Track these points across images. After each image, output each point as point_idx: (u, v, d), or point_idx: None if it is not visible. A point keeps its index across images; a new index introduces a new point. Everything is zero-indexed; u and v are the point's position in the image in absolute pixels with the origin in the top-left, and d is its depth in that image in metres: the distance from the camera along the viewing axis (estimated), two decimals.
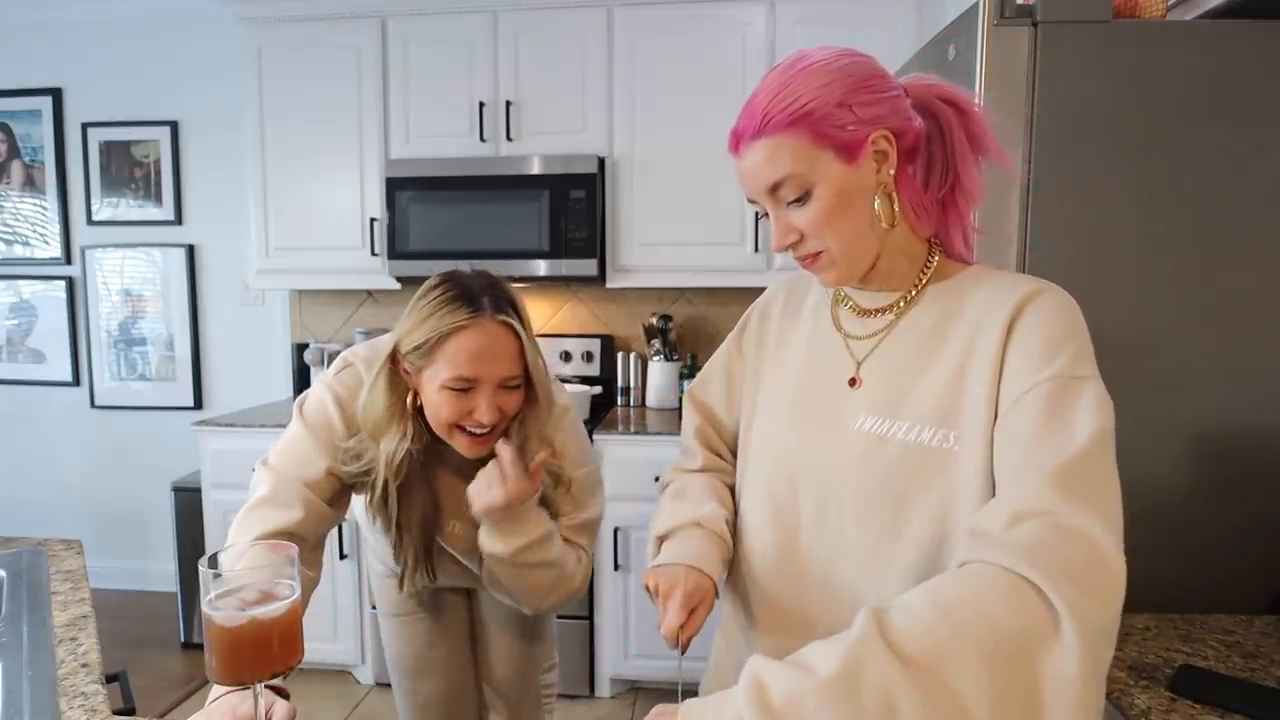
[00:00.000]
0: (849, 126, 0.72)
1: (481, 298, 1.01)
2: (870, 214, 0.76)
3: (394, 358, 1.05)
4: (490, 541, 1.05)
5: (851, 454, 0.78)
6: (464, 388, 1.01)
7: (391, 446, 1.05)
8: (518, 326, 1.03)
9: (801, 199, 0.75)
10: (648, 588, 0.84)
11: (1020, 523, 0.61)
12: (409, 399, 1.06)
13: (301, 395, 1.14)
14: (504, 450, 1.02)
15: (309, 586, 0.99)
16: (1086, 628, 0.56)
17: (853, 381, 0.81)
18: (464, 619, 1.40)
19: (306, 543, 1.03)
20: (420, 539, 1.15)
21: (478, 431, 1.04)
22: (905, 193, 0.78)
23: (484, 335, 1.00)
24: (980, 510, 0.66)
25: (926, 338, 0.78)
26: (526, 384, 1.06)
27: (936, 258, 0.81)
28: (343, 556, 2.47)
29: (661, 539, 0.90)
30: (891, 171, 0.75)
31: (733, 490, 0.94)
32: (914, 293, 0.80)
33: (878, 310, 0.82)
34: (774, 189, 0.75)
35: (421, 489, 1.13)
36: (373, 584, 1.43)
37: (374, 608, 1.46)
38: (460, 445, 1.05)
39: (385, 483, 1.07)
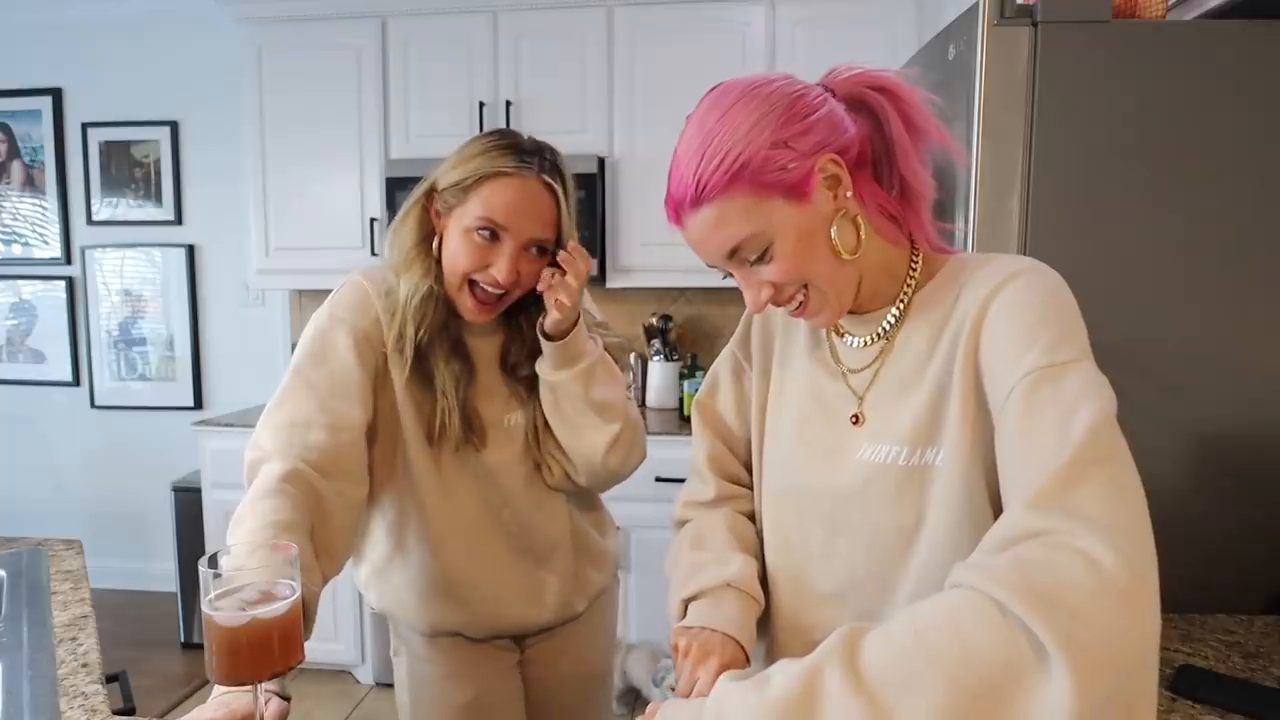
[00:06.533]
0: (790, 165, 0.66)
1: (533, 155, 0.99)
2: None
3: (429, 195, 1.02)
4: (554, 371, 1.02)
5: (855, 484, 0.75)
6: (489, 235, 0.97)
7: (411, 285, 1.00)
8: (560, 192, 1.00)
9: (763, 256, 0.70)
10: (675, 648, 0.77)
11: (1011, 546, 0.55)
12: (434, 244, 1.02)
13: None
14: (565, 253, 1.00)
15: (333, 568, 0.94)
16: (1083, 659, 0.48)
17: (856, 419, 0.77)
18: (515, 696, 1.20)
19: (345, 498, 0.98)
20: (458, 401, 1.05)
21: (490, 290, 0.99)
22: (870, 204, 0.72)
23: (524, 189, 0.97)
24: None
25: (920, 355, 0.73)
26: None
27: (919, 261, 0.76)
28: None
29: (688, 601, 0.82)
30: (849, 194, 0.69)
31: (752, 516, 0.90)
32: (901, 307, 0.76)
33: (870, 337, 0.78)
34: (731, 254, 0.71)
35: (452, 350, 1.05)
36: (410, 683, 1.20)
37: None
38: (466, 306, 1.01)
39: (402, 328, 1.01)
